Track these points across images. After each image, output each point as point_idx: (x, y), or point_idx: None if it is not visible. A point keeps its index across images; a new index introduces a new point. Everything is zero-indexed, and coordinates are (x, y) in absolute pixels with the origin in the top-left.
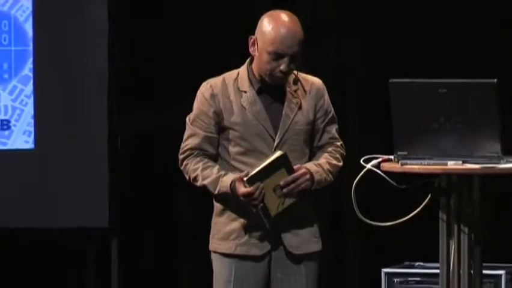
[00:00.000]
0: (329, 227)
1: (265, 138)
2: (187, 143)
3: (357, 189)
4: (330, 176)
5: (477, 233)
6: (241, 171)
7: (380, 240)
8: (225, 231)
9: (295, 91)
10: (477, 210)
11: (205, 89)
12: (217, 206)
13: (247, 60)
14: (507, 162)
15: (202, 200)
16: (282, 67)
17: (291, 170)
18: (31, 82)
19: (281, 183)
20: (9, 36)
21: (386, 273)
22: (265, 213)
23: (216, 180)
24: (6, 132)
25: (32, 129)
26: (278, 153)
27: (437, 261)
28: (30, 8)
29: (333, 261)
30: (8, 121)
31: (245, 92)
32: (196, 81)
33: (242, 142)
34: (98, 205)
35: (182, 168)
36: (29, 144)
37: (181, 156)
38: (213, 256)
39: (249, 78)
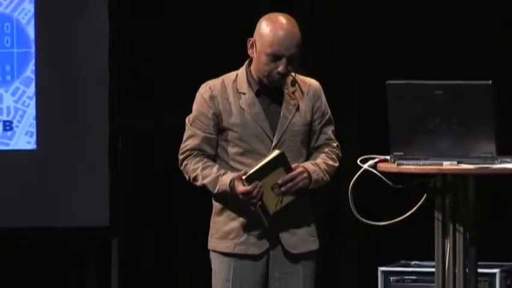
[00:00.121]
0: (327, 226)
1: (264, 139)
2: (187, 143)
3: (354, 189)
4: (327, 175)
5: (472, 233)
6: (239, 171)
7: (376, 240)
8: (223, 230)
9: (293, 93)
10: (472, 210)
11: (204, 90)
12: (216, 206)
13: (246, 62)
14: (502, 162)
15: (202, 199)
16: (280, 68)
17: (289, 169)
18: (33, 84)
19: (279, 181)
20: (11, 38)
21: (383, 272)
22: (264, 211)
23: (216, 180)
24: (9, 133)
25: (34, 130)
26: (276, 152)
27: (433, 260)
28: (33, 11)
29: (330, 260)
30: (11, 122)
31: (244, 93)
32: (196, 81)
33: (241, 143)
34: (98, 205)
35: (182, 168)
36: (31, 145)
37: (180, 157)
38: (212, 255)
39: (248, 80)
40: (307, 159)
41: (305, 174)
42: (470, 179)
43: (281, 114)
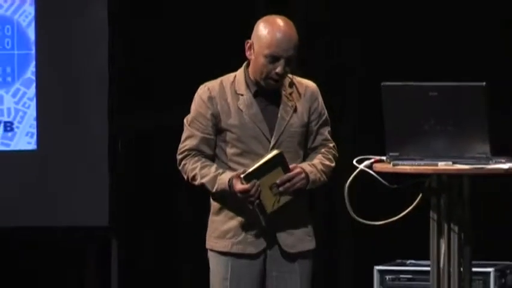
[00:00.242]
0: (323, 226)
1: (261, 140)
2: (185, 143)
3: (351, 189)
4: (324, 176)
5: (467, 232)
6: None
7: (372, 239)
8: (221, 229)
9: (290, 94)
10: (467, 209)
11: (203, 91)
12: (214, 205)
13: (244, 64)
14: (496, 163)
15: (201, 199)
16: (278, 70)
17: (287, 169)
18: (34, 85)
19: (277, 181)
20: (12, 40)
21: (379, 271)
22: (261, 210)
23: (214, 179)
24: (10, 134)
25: (34, 130)
26: (275, 152)
27: (428, 259)
28: (33, 13)
29: (327, 259)
30: (11, 123)
31: (242, 95)
32: (196, 81)
33: (239, 144)
34: (98, 205)
35: (180, 168)
36: (32, 146)
37: (179, 157)
38: (210, 254)
39: (246, 82)
40: (304, 160)
41: (303, 175)
42: (465, 179)
43: (279, 115)
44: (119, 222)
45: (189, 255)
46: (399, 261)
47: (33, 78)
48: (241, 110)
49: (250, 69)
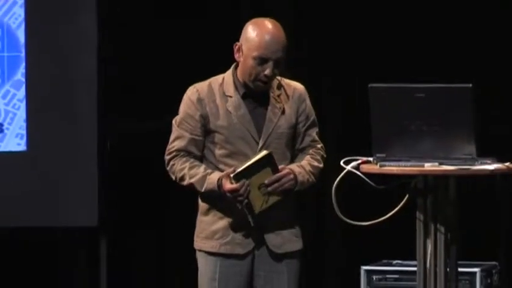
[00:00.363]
0: (311, 226)
1: (249, 141)
2: (174, 144)
3: (338, 189)
4: (312, 177)
5: (453, 232)
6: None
7: (359, 239)
8: (209, 230)
9: (278, 96)
10: (453, 210)
11: (191, 93)
12: (202, 206)
13: (232, 66)
14: (482, 163)
15: (190, 200)
16: (267, 71)
17: (276, 170)
18: (23, 87)
19: (266, 181)
20: (2, 42)
21: (366, 271)
22: (250, 209)
23: (203, 178)
24: (0, 135)
25: (24, 132)
26: (264, 153)
27: (415, 260)
28: (23, 16)
29: (314, 259)
30: (1, 124)
31: (230, 96)
32: (184, 85)
33: (227, 145)
34: (87, 205)
35: (168, 168)
36: (22, 147)
37: (167, 157)
38: (198, 254)
39: (234, 83)
40: (291, 161)
41: (291, 176)
42: (451, 179)
43: (267, 117)
44: (108, 223)
45: (178, 256)
46: (386, 261)
47: (23, 80)
48: (230, 112)
49: (238, 71)
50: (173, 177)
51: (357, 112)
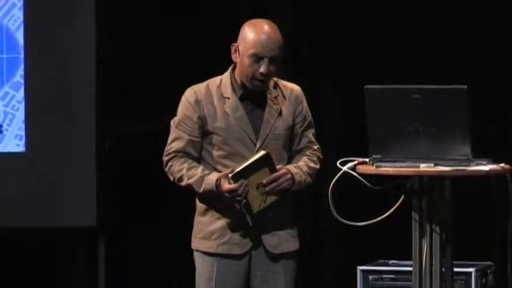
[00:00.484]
0: (307, 226)
1: (247, 142)
2: (172, 145)
3: (334, 190)
4: (309, 178)
5: (448, 233)
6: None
7: (356, 239)
8: (207, 230)
9: (275, 97)
10: (448, 210)
11: (189, 94)
12: (200, 206)
13: (230, 68)
14: (477, 164)
15: (188, 200)
16: (262, 69)
17: (273, 170)
18: (22, 88)
19: (264, 181)
20: (1, 44)
21: (362, 271)
22: (248, 209)
23: (201, 179)
24: None
25: (23, 133)
26: (262, 153)
27: (410, 260)
28: (22, 18)
29: (311, 260)
30: (0, 126)
31: (228, 98)
32: (182, 87)
33: (225, 146)
34: (86, 206)
35: (166, 169)
36: (21, 148)
37: (165, 158)
38: (195, 254)
39: (232, 85)
40: (288, 162)
41: (289, 176)
42: (447, 180)
43: (264, 118)
44: (107, 223)
45: (176, 256)
46: (381, 261)
47: (22, 81)
48: (228, 113)
49: (236, 72)
50: (172, 178)
51: (357, 112)
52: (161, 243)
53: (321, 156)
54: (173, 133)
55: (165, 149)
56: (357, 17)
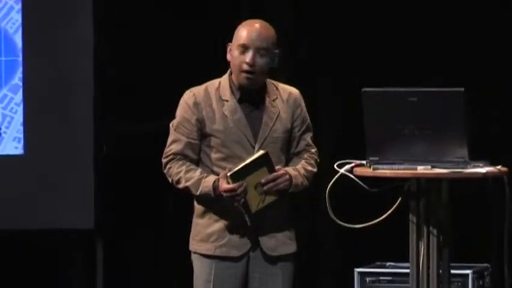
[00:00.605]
0: (305, 228)
1: (245, 145)
2: (171, 148)
3: (332, 192)
4: (306, 181)
5: (445, 235)
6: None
7: (353, 241)
8: (205, 232)
9: (273, 100)
10: (445, 212)
11: (188, 97)
12: (198, 208)
13: (229, 70)
14: (474, 167)
15: (186, 202)
16: (248, 59)
17: (272, 170)
18: (21, 91)
19: (262, 180)
20: None
21: (359, 273)
22: (246, 208)
23: (198, 182)
24: None
25: (21, 135)
26: (261, 152)
27: (408, 262)
28: (20, 21)
29: (309, 261)
30: None
31: (226, 100)
32: (180, 88)
33: (223, 149)
34: (84, 208)
35: (165, 171)
36: (19, 150)
37: (164, 160)
38: (193, 257)
39: (231, 87)
40: (286, 165)
41: (287, 176)
42: (444, 182)
43: (263, 121)
44: (105, 225)
45: (174, 258)
46: (379, 263)
47: (20, 84)
48: (226, 116)
49: (232, 73)
50: (170, 180)
51: (356, 114)
52: (160, 246)
53: (319, 160)
54: (172, 135)
55: (164, 151)
56: (356, 19)
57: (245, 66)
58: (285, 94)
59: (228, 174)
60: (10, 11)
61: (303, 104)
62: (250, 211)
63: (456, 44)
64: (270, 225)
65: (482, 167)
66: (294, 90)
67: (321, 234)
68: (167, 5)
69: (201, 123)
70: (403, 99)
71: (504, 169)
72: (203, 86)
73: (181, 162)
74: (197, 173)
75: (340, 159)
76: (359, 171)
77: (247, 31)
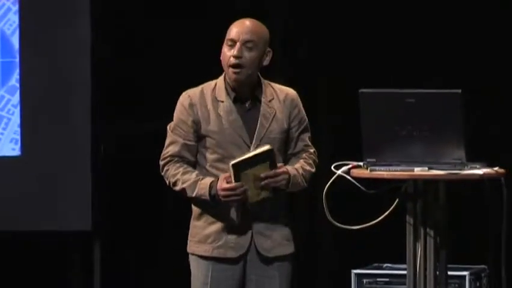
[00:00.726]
0: (303, 229)
1: (241, 146)
2: (168, 150)
3: (329, 193)
4: (304, 181)
5: (442, 236)
6: (217, 177)
7: (350, 243)
8: (202, 234)
9: (270, 101)
10: (442, 214)
11: (184, 99)
12: (195, 210)
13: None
14: (471, 168)
15: (184, 204)
16: (234, 52)
17: (274, 166)
18: (18, 92)
19: (262, 175)
20: None
21: (356, 274)
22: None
23: (194, 184)
24: None
25: (18, 137)
26: (267, 147)
27: (405, 263)
28: (17, 22)
29: (306, 262)
30: None
31: (222, 101)
32: (178, 89)
33: (219, 149)
34: (81, 210)
35: (163, 173)
36: (16, 152)
37: (161, 162)
38: (191, 258)
39: (226, 88)
40: (284, 165)
41: (286, 176)
42: (441, 184)
43: (259, 121)
44: (102, 227)
45: (172, 259)
46: (376, 264)
47: (17, 85)
48: (221, 116)
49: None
50: (167, 183)
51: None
52: (158, 247)
53: (317, 160)
54: (169, 137)
55: (162, 153)
56: (356, 20)
57: (232, 60)
58: (281, 95)
59: (231, 163)
60: (7, 12)
61: (300, 105)
62: (245, 204)
63: (456, 44)
64: (266, 226)
65: (479, 168)
66: (291, 91)
67: (318, 235)
68: (166, 5)
69: (196, 124)
70: (400, 100)
71: (501, 170)
72: (199, 88)
73: (178, 165)
74: (193, 175)
75: (339, 160)
76: (356, 172)
77: (235, 27)
